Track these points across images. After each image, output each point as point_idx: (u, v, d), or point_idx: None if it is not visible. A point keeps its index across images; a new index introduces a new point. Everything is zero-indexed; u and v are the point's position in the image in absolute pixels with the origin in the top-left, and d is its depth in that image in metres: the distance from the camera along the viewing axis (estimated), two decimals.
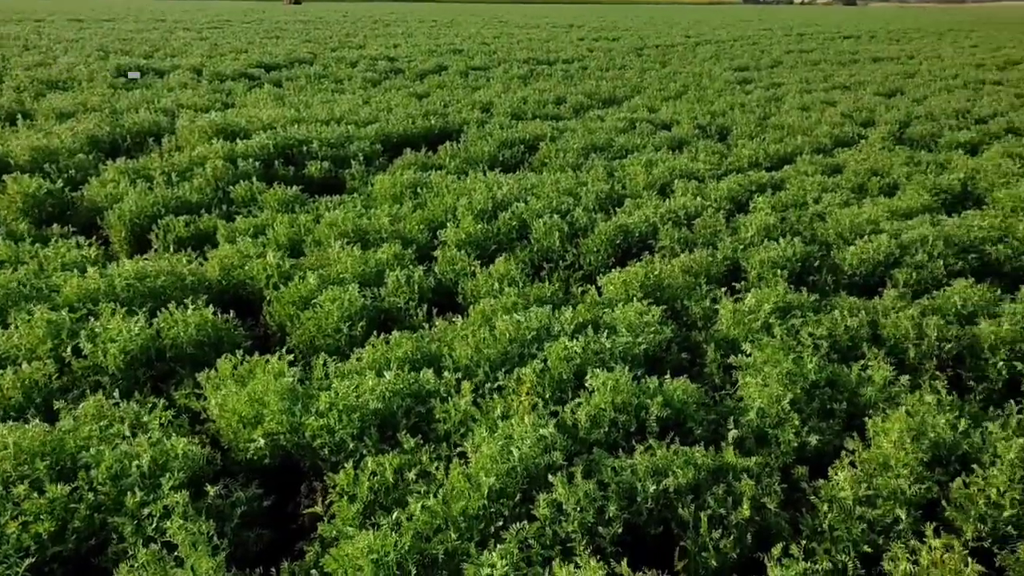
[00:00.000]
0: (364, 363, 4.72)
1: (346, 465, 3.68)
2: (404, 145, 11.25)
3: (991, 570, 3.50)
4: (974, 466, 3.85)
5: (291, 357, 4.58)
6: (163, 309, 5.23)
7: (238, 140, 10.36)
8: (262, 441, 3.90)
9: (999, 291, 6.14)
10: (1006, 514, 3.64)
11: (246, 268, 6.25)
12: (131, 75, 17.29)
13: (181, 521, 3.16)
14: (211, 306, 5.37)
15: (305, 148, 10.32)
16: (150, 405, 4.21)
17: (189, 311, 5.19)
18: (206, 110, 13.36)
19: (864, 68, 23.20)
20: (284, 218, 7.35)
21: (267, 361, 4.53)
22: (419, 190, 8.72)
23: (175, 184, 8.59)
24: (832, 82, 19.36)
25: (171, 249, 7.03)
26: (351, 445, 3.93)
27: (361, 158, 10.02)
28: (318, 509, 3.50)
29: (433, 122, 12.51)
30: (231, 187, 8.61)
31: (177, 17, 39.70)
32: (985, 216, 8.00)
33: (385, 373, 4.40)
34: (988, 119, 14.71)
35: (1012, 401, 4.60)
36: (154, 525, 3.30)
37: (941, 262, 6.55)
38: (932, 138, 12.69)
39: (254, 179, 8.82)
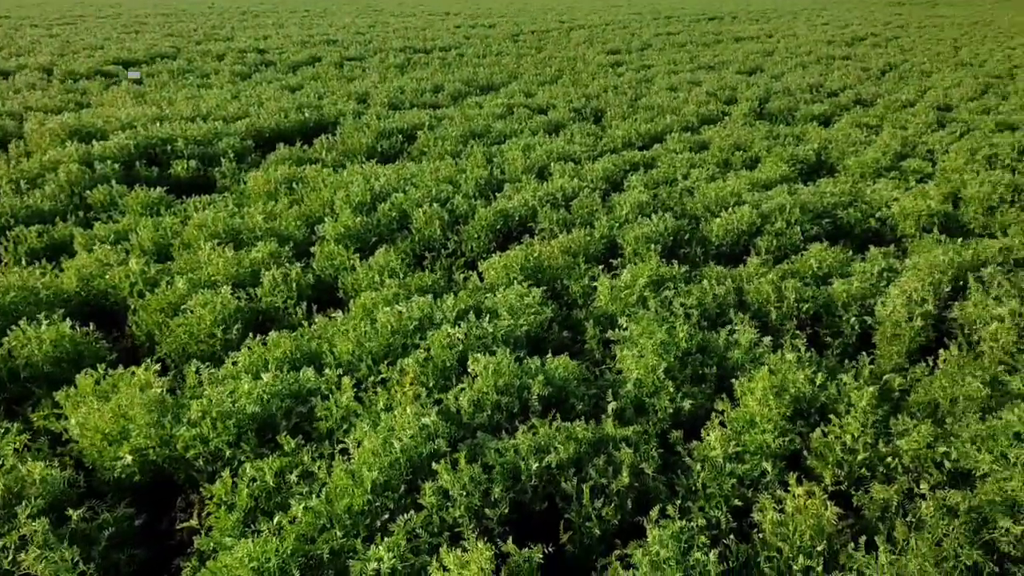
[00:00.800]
0: (240, 367, 4.56)
1: (223, 474, 3.55)
2: (277, 140, 10.89)
3: (849, 511, 3.79)
4: (831, 416, 4.14)
5: (157, 367, 4.35)
6: (15, 327, 4.86)
7: (95, 142, 9.71)
8: (129, 458, 3.70)
9: (850, 252, 6.62)
10: (860, 457, 3.94)
11: (107, 277, 5.88)
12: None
13: (39, 551, 2.96)
14: (69, 320, 5.03)
15: (169, 147, 9.81)
16: (3, 430, 3.91)
17: (43, 327, 4.85)
18: (58, 111, 12.43)
19: (727, 48, 24.29)
20: (148, 222, 6.97)
21: (132, 373, 4.29)
22: (295, 185, 8.47)
23: (25, 192, 7.99)
24: (698, 62, 20.17)
25: (23, 262, 6.53)
26: (228, 453, 3.79)
27: (231, 155, 9.63)
28: (193, 523, 3.37)
29: (307, 115, 12.16)
30: (88, 192, 8.07)
31: (24, 13, 36.65)
32: (837, 183, 8.59)
33: (263, 375, 4.27)
34: (839, 92, 15.77)
35: (864, 353, 4.98)
36: (10, 558, 3.07)
37: (798, 228, 6.98)
38: (789, 112, 13.48)
39: (114, 182, 8.31)
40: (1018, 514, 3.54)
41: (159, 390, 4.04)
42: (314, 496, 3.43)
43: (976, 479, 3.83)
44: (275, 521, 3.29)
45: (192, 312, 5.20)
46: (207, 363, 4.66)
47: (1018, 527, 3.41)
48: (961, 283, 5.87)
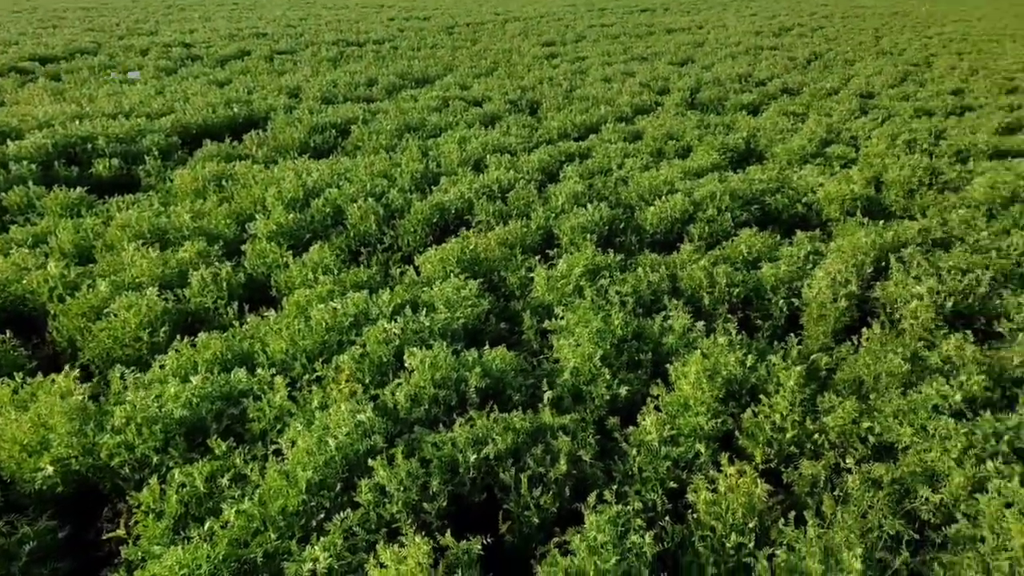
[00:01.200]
0: (168, 370, 4.42)
1: (151, 481, 3.44)
2: (205, 136, 10.57)
3: (779, 488, 3.90)
4: (761, 396, 4.25)
5: (78, 373, 4.18)
6: None
7: (9, 142, 9.27)
8: (51, 469, 3.55)
9: (778, 237, 6.79)
10: (789, 435, 4.06)
11: (24, 282, 5.62)
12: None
13: None
14: None
15: (90, 145, 9.42)
16: None
17: None
18: None
19: (659, 39, 24.62)
20: (68, 223, 6.69)
21: (52, 381, 4.12)
22: (224, 183, 8.24)
23: None
24: (631, 54, 20.38)
25: None
26: (155, 459, 3.67)
27: (156, 153, 9.30)
28: (120, 532, 3.26)
29: (237, 110, 11.83)
30: (3, 194, 7.70)
31: None
32: (765, 170, 8.81)
33: (192, 378, 4.14)
34: (767, 81, 16.15)
35: (792, 334, 5.12)
36: None
37: (729, 215, 7.14)
38: (719, 102, 13.74)
39: (31, 183, 7.94)
40: (937, 483, 3.70)
41: (80, 397, 3.89)
42: (247, 499, 3.35)
43: (898, 452, 3.99)
44: (206, 527, 3.20)
45: (116, 315, 5.02)
46: (132, 368, 4.49)
47: (937, 496, 3.57)
48: (883, 264, 6.09)
